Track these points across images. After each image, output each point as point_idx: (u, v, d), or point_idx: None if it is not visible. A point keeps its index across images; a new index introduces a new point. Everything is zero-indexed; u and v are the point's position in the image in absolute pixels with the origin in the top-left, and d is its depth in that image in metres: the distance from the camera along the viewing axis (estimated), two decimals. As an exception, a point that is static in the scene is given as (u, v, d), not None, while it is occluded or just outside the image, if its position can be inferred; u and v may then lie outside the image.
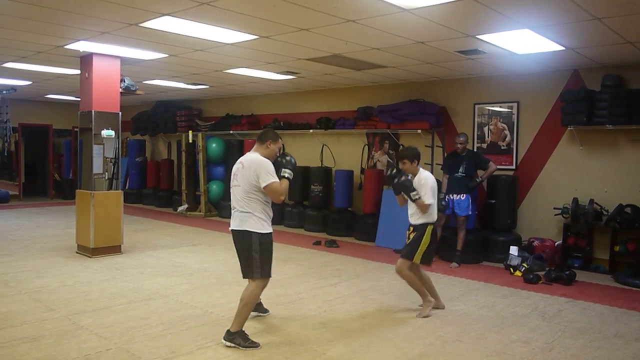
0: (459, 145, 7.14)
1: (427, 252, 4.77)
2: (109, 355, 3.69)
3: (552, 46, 5.76)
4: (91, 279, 5.81)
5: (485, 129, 8.10)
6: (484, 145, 8.10)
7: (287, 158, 4.00)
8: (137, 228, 9.46)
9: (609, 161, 6.93)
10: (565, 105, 6.99)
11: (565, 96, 6.96)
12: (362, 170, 9.51)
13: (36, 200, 13.76)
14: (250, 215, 3.86)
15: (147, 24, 5.38)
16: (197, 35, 5.78)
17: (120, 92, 7.32)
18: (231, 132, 11.64)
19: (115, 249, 7.12)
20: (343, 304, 5.10)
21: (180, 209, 11.63)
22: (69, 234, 8.40)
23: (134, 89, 7.70)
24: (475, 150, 7.97)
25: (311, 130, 10.03)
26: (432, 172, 5.93)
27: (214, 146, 11.46)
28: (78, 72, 7.49)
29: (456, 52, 6.29)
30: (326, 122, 9.80)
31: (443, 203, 6.76)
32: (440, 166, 7.58)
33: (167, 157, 13.82)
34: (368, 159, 9.61)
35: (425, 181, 4.65)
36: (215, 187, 11.50)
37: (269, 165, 3.86)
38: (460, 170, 7.08)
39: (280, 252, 7.24)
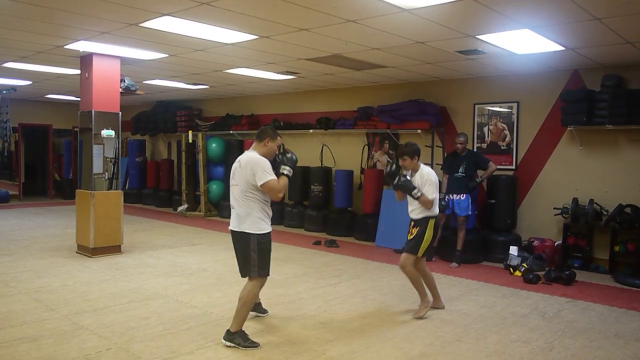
0: (458, 145, 7.14)
1: (429, 246, 4.77)
2: (109, 355, 3.69)
3: (552, 46, 5.76)
4: (91, 279, 5.81)
5: (485, 129, 8.10)
6: (484, 145, 8.10)
7: (288, 155, 3.99)
8: (137, 228, 9.46)
9: (609, 161, 6.93)
10: (565, 105, 6.99)
11: (565, 96, 6.97)
12: (362, 170, 9.51)
13: (36, 200, 13.76)
14: (248, 215, 3.86)
15: (147, 24, 5.38)
16: (197, 35, 5.78)
17: (120, 92, 7.32)
18: (231, 132, 11.64)
19: (115, 249, 7.12)
20: (343, 304, 5.10)
21: (180, 209, 11.63)
22: (69, 234, 8.40)
23: (134, 89, 7.71)
24: (475, 150, 7.97)
25: (311, 130, 10.03)
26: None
27: (214, 146, 11.47)
28: (78, 72, 7.49)
29: (456, 52, 6.29)
30: (326, 122, 9.81)
31: (443, 203, 6.75)
32: (440, 166, 7.58)
33: (167, 157, 13.82)
34: (368, 159, 9.61)
35: (428, 177, 4.65)
36: (215, 187, 11.51)
37: (265, 163, 3.85)
38: (460, 170, 7.08)
39: (280, 252, 7.25)
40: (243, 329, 3.91)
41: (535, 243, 7.15)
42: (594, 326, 4.59)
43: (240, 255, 3.94)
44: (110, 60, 7.07)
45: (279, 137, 4.05)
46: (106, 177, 7.09)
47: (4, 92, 10.97)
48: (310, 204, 9.71)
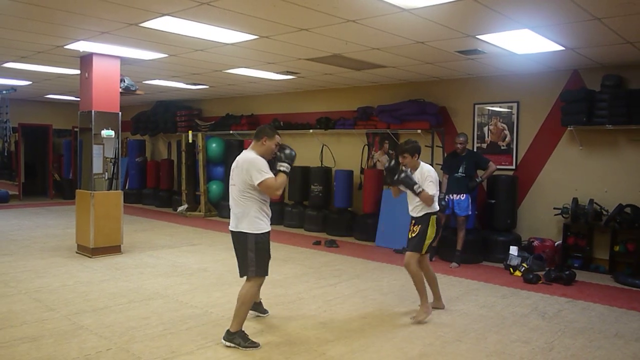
0: (458, 145, 7.14)
1: (430, 244, 4.76)
2: (109, 355, 3.69)
3: (552, 46, 5.76)
4: (91, 279, 5.81)
5: (485, 129, 8.10)
6: (484, 145, 8.10)
7: (287, 152, 3.96)
8: (137, 228, 9.46)
9: (609, 161, 6.93)
10: (565, 105, 6.99)
11: (565, 96, 6.97)
12: (362, 170, 9.51)
13: (36, 200, 13.76)
14: (246, 215, 3.86)
15: (147, 24, 5.38)
16: (197, 35, 5.78)
17: (120, 92, 7.32)
18: (231, 132, 11.64)
19: (115, 249, 7.12)
20: (343, 304, 5.09)
21: (180, 209, 11.63)
22: (69, 234, 8.40)
23: (134, 89, 7.71)
24: (475, 150, 7.97)
25: (311, 130, 10.03)
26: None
27: (214, 146, 11.47)
28: (78, 72, 7.49)
29: (456, 52, 6.29)
30: (326, 122, 9.81)
31: (443, 203, 6.75)
32: (440, 166, 7.58)
33: (167, 157, 13.82)
34: (368, 159, 9.61)
35: (428, 173, 4.65)
36: (215, 187, 11.51)
37: (260, 162, 3.83)
38: (460, 170, 7.08)
39: (280, 252, 7.25)
40: (243, 329, 3.91)
41: (535, 243, 7.15)
42: (594, 326, 4.59)
43: (239, 255, 3.95)
44: (110, 60, 7.07)
45: (277, 136, 4.01)
46: (106, 177, 7.09)
47: (4, 92, 10.97)
48: (310, 204, 9.71)
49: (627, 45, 5.66)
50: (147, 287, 5.52)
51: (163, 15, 5.00)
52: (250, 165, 3.81)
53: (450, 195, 7.05)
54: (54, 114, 14.45)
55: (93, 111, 6.92)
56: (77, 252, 7.15)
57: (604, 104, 6.61)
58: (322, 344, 4.00)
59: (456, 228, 7.06)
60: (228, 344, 3.86)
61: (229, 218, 4.03)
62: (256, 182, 3.77)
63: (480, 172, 7.29)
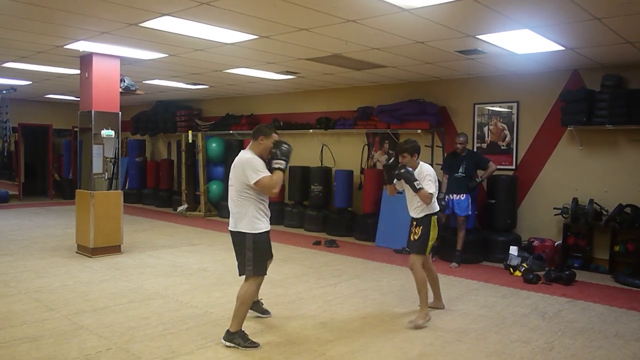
0: (458, 145, 7.14)
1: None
2: (109, 355, 3.69)
3: (552, 46, 5.76)
4: (91, 279, 5.81)
5: (485, 129, 8.10)
6: (484, 145, 8.10)
7: (283, 148, 3.91)
8: (137, 228, 9.45)
9: (609, 161, 6.93)
10: (565, 105, 6.99)
11: (565, 96, 6.96)
12: (362, 170, 9.51)
13: (36, 200, 13.76)
14: (244, 215, 3.86)
15: (147, 24, 5.38)
16: (197, 35, 5.78)
17: (120, 92, 7.32)
18: (231, 132, 11.64)
19: (115, 249, 7.12)
20: (343, 304, 5.09)
21: (180, 209, 11.63)
22: (69, 234, 8.40)
23: (133, 89, 7.71)
24: (475, 150, 7.97)
25: (311, 130, 10.03)
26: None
27: (214, 146, 11.47)
28: (78, 72, 7.49)
29: (456, 52, 6.28)
30: (326, 122, 9.80)
31: (443, 203, 6.76)
32: (440, 166, 7.58)
33: (167, 157, 13.82)
34: (368, 159, 9.61)
35: (427, 172, 4.64)
36: (215, 187, 11.51)
37: (256, 161, 3.83)
38: (460, 170, 7.08)
39: (280, 252, 7.24)
40: (243, 329, 3.91)
41: (535, 243, 7.15)
42: (594, 326, 4.59)
43: (238, 254, 3.96)
44: (110, 60, 7.07)
45: (274, 134, 4.00)
46: (106, 177, 7.09)
47: (4, 92, 10.97)
48: (310, 204, 9.71)
49: (627, 45, 5.66)
50: (147, 287, 5.52)
51: (163, 15, 5.00)
52: (246, 165, 3.81)
53: (450, 195, 7.05)
54: (53, 114, 14.44)
55: (93, 111, 6.92)
56: (77, 252, 7.15)
57: (604, 104, 6.61)
58: (322, 344, 4.00)
59: (456, 228, 7.06)
60: (228, 344, 3.86)
61: (229, 218, 4.02)
62: (252, 182, 3.78)
63: (480, 172, 7.29)
